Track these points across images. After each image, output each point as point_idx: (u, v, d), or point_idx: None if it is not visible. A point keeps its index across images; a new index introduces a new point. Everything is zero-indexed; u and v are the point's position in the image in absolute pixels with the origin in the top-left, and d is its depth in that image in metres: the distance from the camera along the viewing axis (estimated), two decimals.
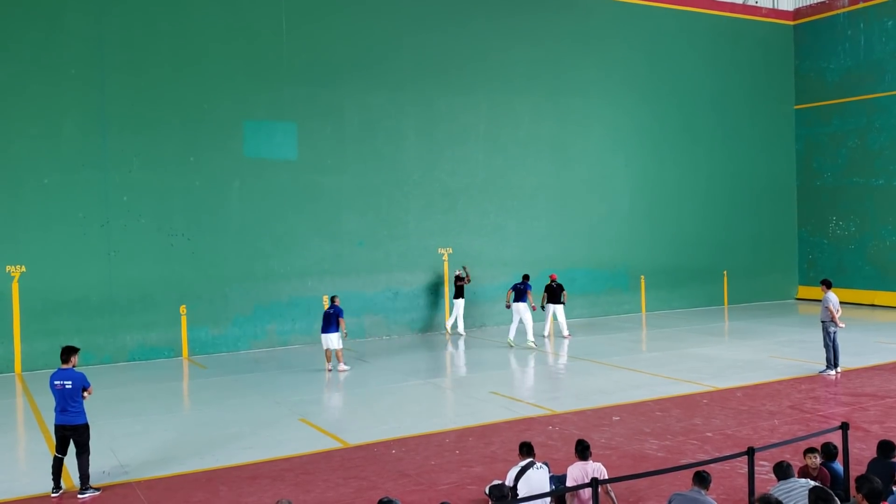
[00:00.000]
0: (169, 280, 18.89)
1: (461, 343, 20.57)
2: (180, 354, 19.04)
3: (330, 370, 16.70)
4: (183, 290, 19.06)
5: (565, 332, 20.61)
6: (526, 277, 20.19)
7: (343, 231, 20.97)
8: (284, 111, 20.21)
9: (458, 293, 21.36)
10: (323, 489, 9.29)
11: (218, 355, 19.20)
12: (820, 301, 15.83)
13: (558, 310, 20.62)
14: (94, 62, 18.21)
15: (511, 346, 19.24)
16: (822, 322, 15.39)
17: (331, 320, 16.60)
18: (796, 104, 28.61)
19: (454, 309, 21.55)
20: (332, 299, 17.30)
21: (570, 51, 24.14)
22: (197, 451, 11.01)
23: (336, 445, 11.17)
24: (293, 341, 20.05)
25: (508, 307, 19.73)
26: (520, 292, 19.55)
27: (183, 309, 19.06)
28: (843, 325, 15.47)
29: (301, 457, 10.63)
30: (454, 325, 21.65)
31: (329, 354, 16.75)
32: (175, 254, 18.98)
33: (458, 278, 21.44)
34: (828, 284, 15.70)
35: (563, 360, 17.93)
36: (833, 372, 15.19)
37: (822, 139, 27.94)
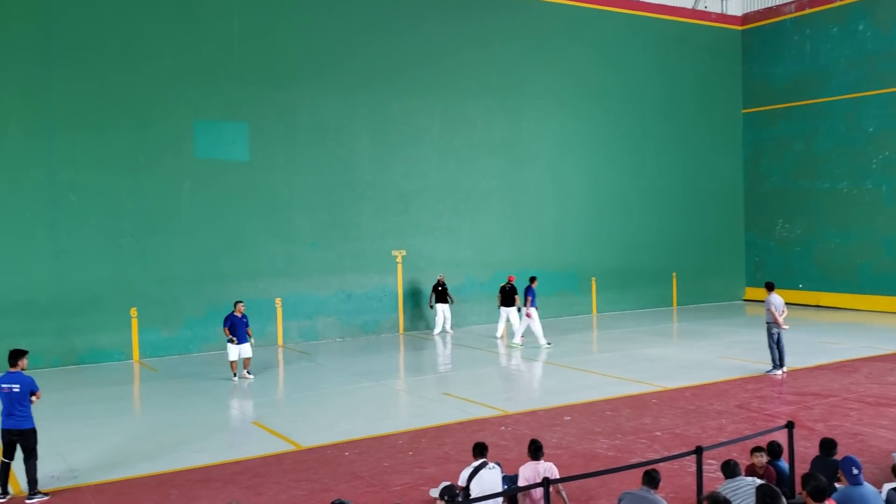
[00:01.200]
0: (119, 282, 18.60)
1: (416, 344, 20.60)
2: (131, 357, 18.75)
3: (237, 378, 16.03)
4: (133, 292, 18.78)
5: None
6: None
7: (296, 232, 20.86)
8: (236, 112, 20.03)
9: (441, 298, 21.72)
10: (275, 492, 9.25)
11: (169, 358, 18.96)
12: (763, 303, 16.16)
13: (511, 312, 20.72)
14: (39, 61, 17.84)
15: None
16: (767, 323, 15.68)
17: (243, 328, 15.97)
18: (744, 108, 29.21)
19: (438, 314, 21.87)
20: (237, 305, 16.21)
21: (522, 54, 24.33)
22: (147, 454, 10.87)
23: (289, 448, 11.13)
24: None
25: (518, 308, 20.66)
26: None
27: (133, 311, 18.78)
28: (787, 327, 15.75)
29: (253, 460, 10.56)
30: (443, 329, 21.94)
31: (236, 365, 16.08)
32: (125, 255, 18.69)
33: (440, 284, 21.71)
34: (770, 287, 15.94)
35: (516, 361, 18.06)
36: (779, 372, 15.49)
37: (769, 143, 28.57)
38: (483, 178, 23.75)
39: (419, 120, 22.68)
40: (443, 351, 19.61)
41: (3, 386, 9.28)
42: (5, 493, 9.14)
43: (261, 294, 20.00)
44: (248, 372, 16.25)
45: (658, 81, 27.11)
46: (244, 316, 16.08)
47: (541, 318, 19.72)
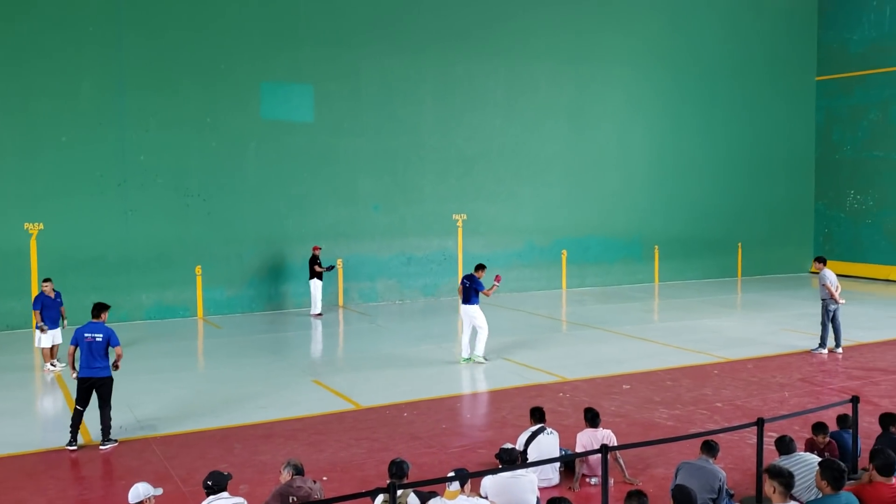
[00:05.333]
0: (185, 240, 19.03)
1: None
2: (195, 314, 19.22)
3: (50, 367, 13.77)
4: (199, 251, 19.20)
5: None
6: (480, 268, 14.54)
7: (358, 194, 21.01)
8: (302, 73, 20.16)
9: (315, 274, 19.08)
10: (335, 449, 9.44)
11: (233, 316, 19.38)
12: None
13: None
14: (112, 20, 18.18)
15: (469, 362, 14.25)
16: (823, 300, 14.96)
17: (57, 310, 13.85)
18: (818, 75, 28.23)
19: (316, 291, 19.14)
20: (45, 284, 13.90)
21: (590, 17, 23.88)
22: (212, 409, 11.18)
23: (349, 407, 11.32)
24: (307, 304, 20.17)
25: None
26: (467, 291, 14.25)
27: (198, 269, 19.21)
28: (844, 301, 15.07)
29: (314, 417, 10.78)
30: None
31: (48, 353, 13.78)
32: (191, 214, 19.09)
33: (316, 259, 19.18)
34: (822, 261, 15.32)
35: (577, 328, 17.99)
36: (825, 351, 14.82)
37: (843, 111, 27.61)
38: (546, 142, 23.52)
39: (484, 83, 22.50)
40: (501, 314, 19.62)
41: (87, 335, 9.63)
42: (75, 441, 9.48)
43: (323, 255, 20.23)
44: (55, 362, 13.79)
45: (729, 46, 26.34)
46: (58, 295, 13.91)
47: (602, 285, 18.94)
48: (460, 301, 14.40)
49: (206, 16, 19.10)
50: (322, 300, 19.44)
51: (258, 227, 19.84)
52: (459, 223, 22.34)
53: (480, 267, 14.42)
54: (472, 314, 14.13)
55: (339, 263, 20.76)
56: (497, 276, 14.56)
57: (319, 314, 19.18)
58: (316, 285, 19.12)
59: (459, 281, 15.27)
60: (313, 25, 20.21)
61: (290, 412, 11.01)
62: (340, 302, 20.92)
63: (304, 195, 20.33)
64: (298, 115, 20.21)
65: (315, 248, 19.36)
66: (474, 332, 14.24)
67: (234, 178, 19.55)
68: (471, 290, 14.11)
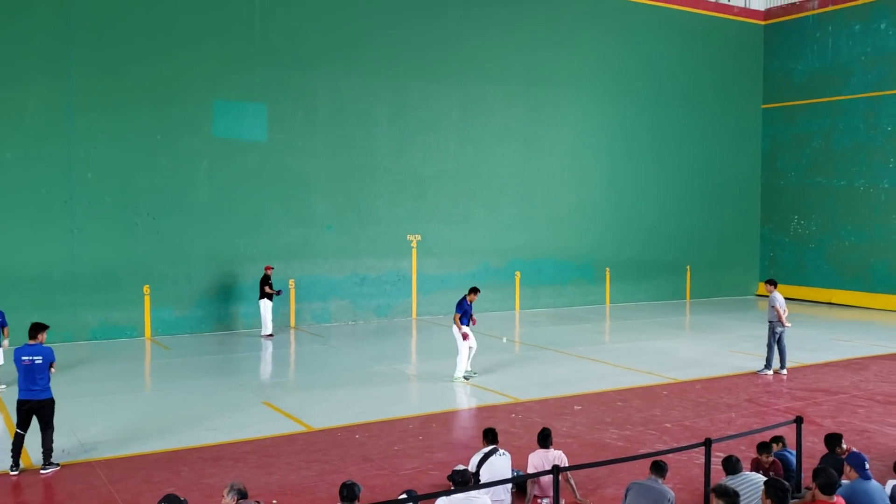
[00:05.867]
0: (133, 259, 18.71)
1: (429, 329, 20.64)
2: (143, 334, 18.88)
3: None
4: (147, 270, 18.88)
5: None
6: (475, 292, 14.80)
7: (312, 215, 20.91)
8: (255, 92, 20.06)
9: (265, 295, 18.91)
10: (285, 472, 9.32)
11: (181, 336, 19.08)
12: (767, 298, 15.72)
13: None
14: (61, 38, 17.90)
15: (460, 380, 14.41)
16: (770, 322, 15.30)
17: None
18: (764, 103, 29.00)
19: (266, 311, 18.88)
20: None
21: (544, 42, 24.21)
22: (159, 431, 10.97)
23: (299, 429, 11.20)
24: (258, 325, 19.95)
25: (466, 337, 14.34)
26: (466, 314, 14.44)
27: (147, 289, 18.89)
28: (790, 325, 15.42)
29: (264, 439, 10.64)
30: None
31: None
32: (140, 233, 18.79)
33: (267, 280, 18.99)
34: (773, 284, 15.68)
35: (530, 349, 18.07)
36: (770, 372, 15.14)
37: (788, 139, 28.37)
38: (501, 164, 23.72)
39: (438, 105, 22.64)
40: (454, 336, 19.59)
41: (24, 358, 9.38)
42: (17, 465, 9.22)
43: (275, 276, 20.02)
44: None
45: (680, 73, 26.94)
46: (1, 313, 13.53)
47: (555, 306, 19.23)
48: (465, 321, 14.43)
49: (159, 32, 18.92)
50: (273, 321, 19.26)
51: (209, 247, 19.60)
52: (414, 244, 22.36)
53: (473, 290, 14.62)
54: (454, 334, 14.40)
55: (292, 284, 20.61)
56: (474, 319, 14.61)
57: (270, 335, 19.00)
58: (266, 306, 18.96)
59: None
60: (268, 45, 20.16)
61: (239, 434, 10.85)
62: (292, 323, 20.73)
63: (256, 215, 20.16)
64: (252, 134, 20.08)
65: (267, 268, 19.22)
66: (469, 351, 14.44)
67: (184, 197, 19.31)
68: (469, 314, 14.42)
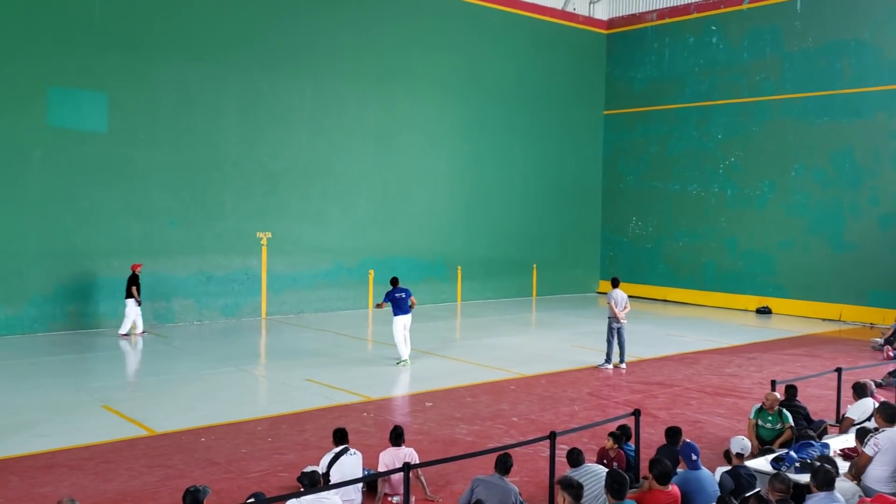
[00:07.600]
0: None
1: (279, 329, 20.29)
2: None
3: None
4: None
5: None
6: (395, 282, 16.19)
7: (154, 209, 20.04)
8: (94, 79, 19.01)
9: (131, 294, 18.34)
10: (126, 478, 8.92)
11: (11, 337, 17.85)
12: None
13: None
14: None
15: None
16: (609, 318, 16.00)
17: None
18: (606, 109, 30.34)
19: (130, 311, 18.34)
20: None
21: (397, 41, 24.30)
22: None
23: (141, 433, 10.74)
24: (97, 324, 18.97)
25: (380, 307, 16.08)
26: (404, 301, 15.79)
27: None
28: (625, 322, 15.99)
29: (102, 445, 10.14)
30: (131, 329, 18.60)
31: None
32: None
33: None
34: (615, 283, 16.39)
35: (382, 347, 18.10)
36: (610, 366, 15.84)
37: (627, 144, 29.83)
38: (355, 161, 23.60)
39: (289, 98, 22.23)
40: (306, 335, 19.39)
41: None
42: None
43: (114, 273, 19.11)
44: None
45: (528, 78, 27.72)
46: None
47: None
48: (392, 312, 15.70)
49: None
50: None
51: (42, 242, 18.42)
52: (264, 241, 21.89)
53: (395, 281, 16.08)
54: (407, 322, 15.74)
55: None
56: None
57: (126, 335, 18.12)
58: (131, 305, 18.14)
59: (387, 294, 15.93)
60: (108, 30, 19.14)
61: (75, 440, 10.28)
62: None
63: (94, 208, 19.12)
64: (90, 124, 19.03)
65: (134, 267, 18.27)
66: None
67: (14, 187, 18.06)
68: (407, 301, 15.75)
